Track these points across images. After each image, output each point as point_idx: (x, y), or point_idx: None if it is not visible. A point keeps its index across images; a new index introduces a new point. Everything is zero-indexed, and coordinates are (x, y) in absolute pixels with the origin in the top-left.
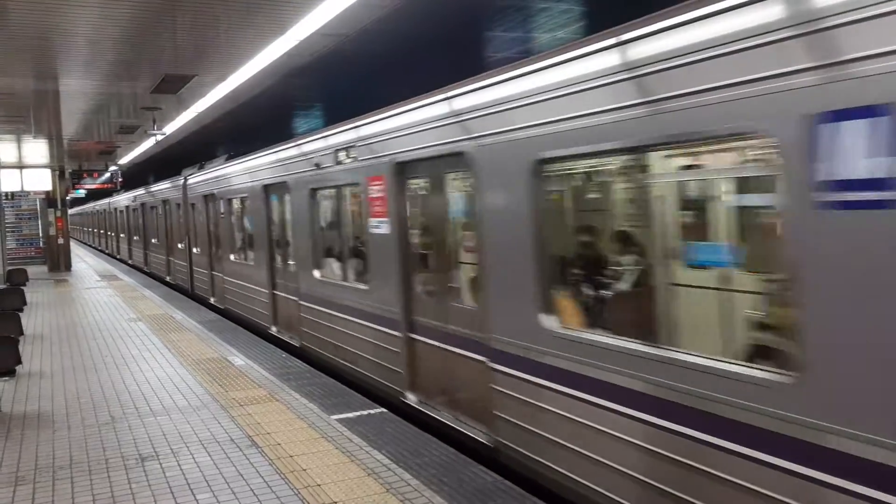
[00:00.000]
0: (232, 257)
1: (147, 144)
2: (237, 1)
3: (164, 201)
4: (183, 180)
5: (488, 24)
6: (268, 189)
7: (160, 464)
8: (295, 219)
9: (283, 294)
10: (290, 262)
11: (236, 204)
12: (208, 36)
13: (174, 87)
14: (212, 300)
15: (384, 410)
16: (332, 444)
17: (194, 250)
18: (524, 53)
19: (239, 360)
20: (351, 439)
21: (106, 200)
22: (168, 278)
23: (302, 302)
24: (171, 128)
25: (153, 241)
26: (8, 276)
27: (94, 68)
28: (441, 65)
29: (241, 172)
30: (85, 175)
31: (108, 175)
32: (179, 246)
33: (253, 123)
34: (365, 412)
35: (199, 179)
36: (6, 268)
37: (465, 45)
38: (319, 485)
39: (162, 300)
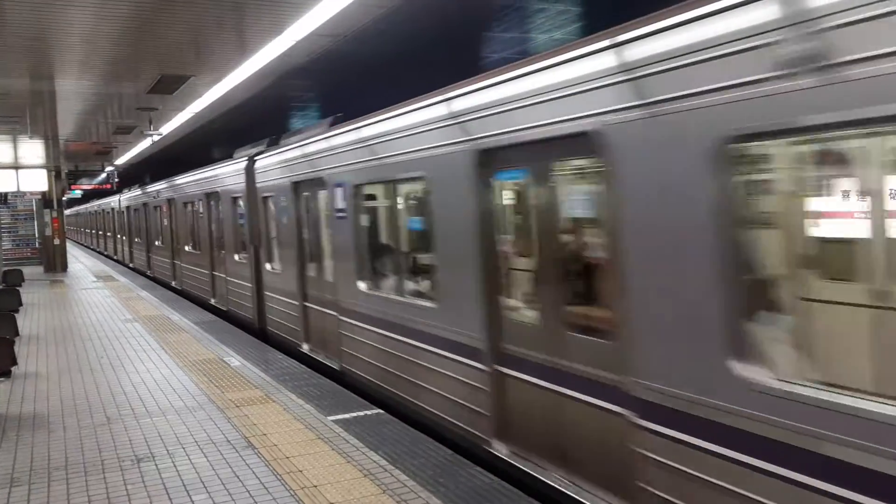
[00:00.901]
0: (362, 287)
1: (144, 144)
2: (234, 1)
3: (209, 195)
4: (246, 164)
5: (485, 25)
6: (495, 159)
7: (156, 465)
8: (637, 222)
9: (533, 380)
10: (571, 317)
11: (378, 195)
12: (205, 36)
13: (170, 87)
14: (304, 348)
15: (380, 411)
16: (329, 446)
17: (269, 268)
18: (521, 54)
19: (235, 360)
20: (347, 440)
21: (114, 197)
22: (213, 301)
23: (663, 430)
24: (167, 128)
25: (186, 248)
26: (4, 276)
27: (91, 68)
28: (438, 65)
29: (392, 136)
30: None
31: (104, 175)
32: (237, 258)
33: (257, 122)
34: (361, 413)
35: (279, 160)
36: (2, 268)
37: (462, 46)
38: (316, 486)
39: (158, 301)
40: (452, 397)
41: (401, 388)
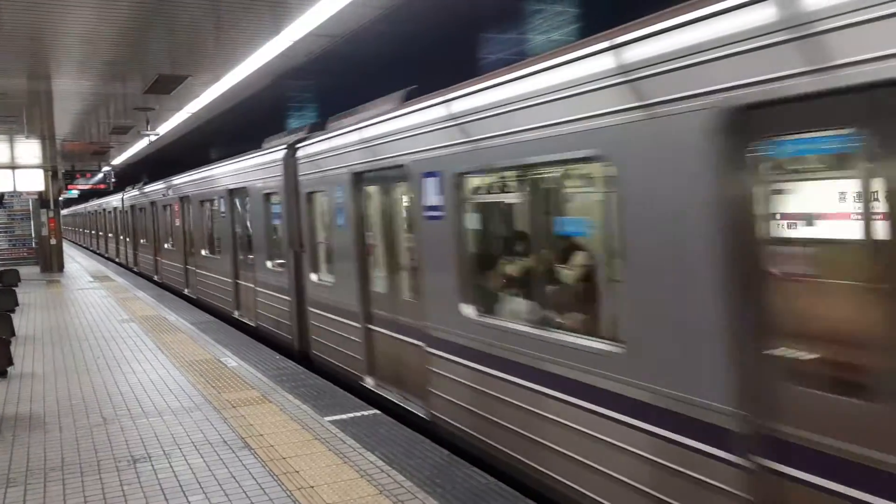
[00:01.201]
0: (468, 311)
1: (140, 144)
2: (231, 1)
3: (234, 191)
4: (284, 153)
5: (482, 26)
6: (765, 121)
7: (152, 465)
8: None
9: (858, 496)
10: None
11: (499, 186)
12: (202, 36)
13: (168, 87)
14: (368, 382)
15: (377, 412)
16: (326, 446)
17: (315, 279)
18: (519, 55)
19: (232, 361)
20: (344, 441)
21: (116, 196)
22: (237, 314)
23: None
24: (164, 128)
25: (203, 252)
26: (0, 276)
27: (88, 68)
28: (435, 66)
29: (531, 100)
30: (78, 175)
31: (101, 175)
32: (270, 266)
33: (257, 121)
34: (358, 413)
35: (331, 147)
36: None
37: (459, 47)
38: (312, 486)
39: (155, 301)
40: (664, 497)
41: (552, 467)
